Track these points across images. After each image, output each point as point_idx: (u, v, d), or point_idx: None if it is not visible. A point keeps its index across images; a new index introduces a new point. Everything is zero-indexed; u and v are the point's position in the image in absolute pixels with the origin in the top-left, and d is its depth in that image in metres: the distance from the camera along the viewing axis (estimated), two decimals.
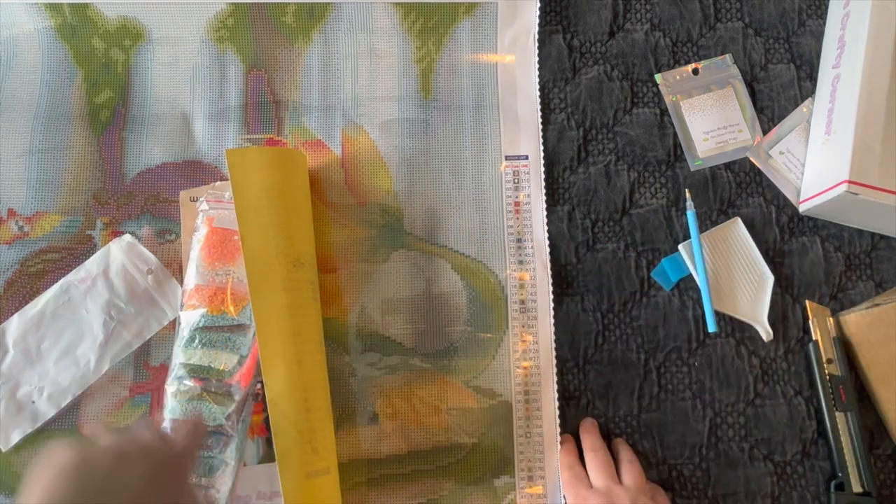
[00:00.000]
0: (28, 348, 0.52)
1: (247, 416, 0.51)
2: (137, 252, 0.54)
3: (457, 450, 0.54)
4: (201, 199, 0.54)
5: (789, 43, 0.62)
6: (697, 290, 0.57)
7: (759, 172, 0.59)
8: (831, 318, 0.56)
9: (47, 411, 0.52)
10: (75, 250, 0.55)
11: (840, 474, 0.53)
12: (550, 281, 0.56)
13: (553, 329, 0.55)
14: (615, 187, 0.59)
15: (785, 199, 0.59)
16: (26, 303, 0.53)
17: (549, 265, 0.56)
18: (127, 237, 0.54)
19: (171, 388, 0.49)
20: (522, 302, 0.56)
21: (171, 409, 0.49)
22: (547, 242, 0.57)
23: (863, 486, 0.53)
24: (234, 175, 0.50)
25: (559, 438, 0.53)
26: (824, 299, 0.57)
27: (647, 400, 0.55)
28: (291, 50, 0.60)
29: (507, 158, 0.59)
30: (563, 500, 0.52)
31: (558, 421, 0.54)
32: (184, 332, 0.50)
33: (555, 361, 0.55)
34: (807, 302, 0.57)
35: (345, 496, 0.51)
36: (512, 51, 0.60)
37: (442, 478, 0.53)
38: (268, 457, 0.52)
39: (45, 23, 0.58)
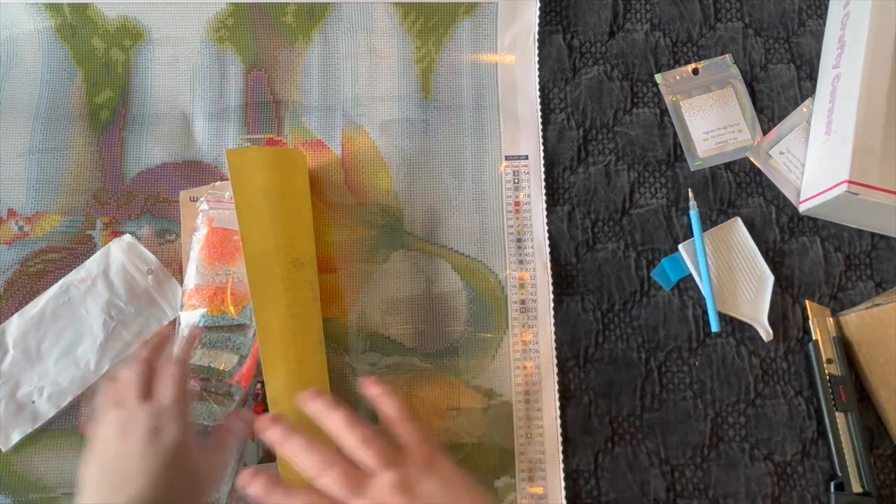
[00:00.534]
0: (28, 348, 0.52)
1: None
2: (137, 252, 0.54)
3: (457, 450, 0.54)
4: (201, 199, 0.54)
5: (789, 43, 0.62)
6: (697, 290, 0.57)
7: (759, 172, 0.59)
8: (831, 318, 0.56)
9: (47, 411, 0.52)
10: (75, 250, 0.55)
11: (840, 474, 0.53)
12: (550, 281, 0.56)
13: (553, 329, 0.55)
14: (615, 187, 0.59)
15: (785, 199, 0.59)
16: (26, 303, 0.53)
17: (549, 265, 0.56)
18: (127, 237, 0.54)
19: None
20: (522, 302, 0.56)
21: None
22: (547, 242, 0.57)
23: (863, 486, 0.53)
24: (234, 175, 0.50)
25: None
26: (824, 299, 0.57)
27: (649, 399, 0.55)
28: (291, 50, 0.60)
29: (507, 158, 0.59)
30: (564, 501, 0.52)
31: (559, 421, 0.54)
32: (184, 332, 0.50)
33: (555, 361, 0.55)
34: (807, 302, 0.57)
35: None
36: (512, 51, 0.60)
37: None
38: (268, 457, 0.52)
39: (45, 23, 0.58)
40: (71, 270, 0.54)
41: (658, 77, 0.61)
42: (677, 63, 0.61)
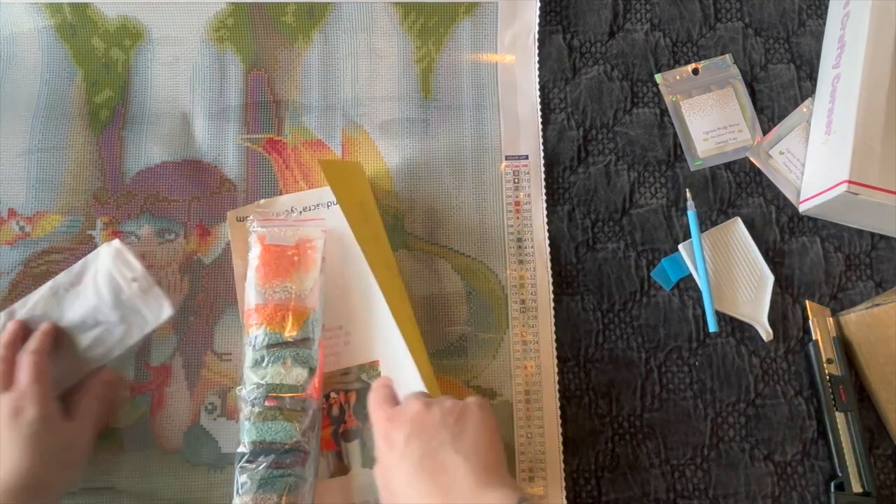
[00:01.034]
0: None
1: (318, 431, 0.51)
2: (123, 259, 0.53)
3: None
4: (249, 217, 0.54)
5: (789, 43, 0.62)
6: (697, 290, 0.57)
7: (759, 172, 0.59)
8: (831, 318, 0.56)
9: None
10: (77, 251, 0.55)
11: (840, 474, 0.53)
12: (551, 280, 0.56)
13: (554, 328, 0.55)
14: (615, 187, 0.59)
15: (785, 199, 0.59)
16: None
17: (549, 265, 0.56)
18: (115, 243, 0.53)
19: (245, 410, 0.49)
20: (523, 301, 0.56)
21: (248, 431, 0.49)
22: (547, 242, 0.57)
23: (863, 486, 0.53)
24: (334, 185, 0.51)
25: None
26: (824, 299, 0.57)
27: (649, 399, 0.55)
28: (291, 50, 0.60)
29: (507, 158, 0.59)
30: (564, 501, 0.52)
31: (559, 421, 0.54)
32: (249, 353, 0.50)
33: (556, 361, 0.55)
34: (807, 302, 0.57)
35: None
36: (512, 51, 0.60)
37: None
38: (339, 470, 0.52)
39: (45, 22, 0.58)
40: None
41: (658, 77, 0.61)
42: (677, 63, 0.61)
